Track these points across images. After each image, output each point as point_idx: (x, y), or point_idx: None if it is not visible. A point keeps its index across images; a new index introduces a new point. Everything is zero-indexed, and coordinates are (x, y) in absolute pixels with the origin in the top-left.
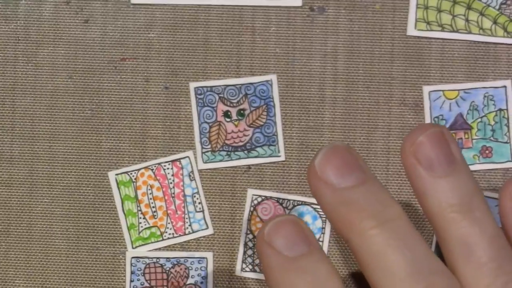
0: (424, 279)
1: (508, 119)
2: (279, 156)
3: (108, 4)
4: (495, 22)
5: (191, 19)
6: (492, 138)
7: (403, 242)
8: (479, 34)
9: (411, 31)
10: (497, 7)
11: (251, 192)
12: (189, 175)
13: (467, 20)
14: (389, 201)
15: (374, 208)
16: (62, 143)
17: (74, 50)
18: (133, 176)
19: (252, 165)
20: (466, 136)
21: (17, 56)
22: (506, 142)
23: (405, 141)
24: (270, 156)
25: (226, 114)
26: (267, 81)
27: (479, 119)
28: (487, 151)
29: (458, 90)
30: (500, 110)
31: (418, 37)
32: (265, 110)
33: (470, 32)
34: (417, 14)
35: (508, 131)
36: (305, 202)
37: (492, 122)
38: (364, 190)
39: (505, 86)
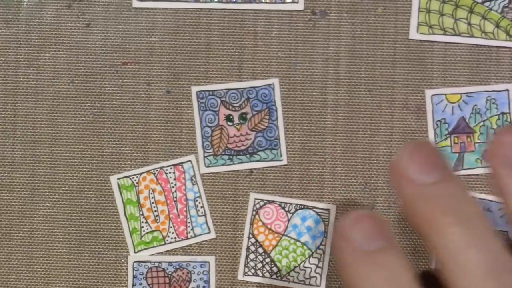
0: (500, 276)
1: (510, 122)
2: (281, 160)
3: (109, 8)
4: (497, 26)
5: (192, 23)
6: None
7: (481, 240)
8: (482, 37)
9: (414, 34)
10: (499, 10)
11: (253, 196)
12: (191, 179)
13: (469, 24)
14: (469, 200)
15: (454, 205)
16: (64, 147)
17: (76, 54)
18: (135, 180)
19: (254, 169)
20: (469, 140)
21: (18, 60)
22: None
23: (492, 143)
24: (272, 160)
25: (228, 118)
26: (269, 85)
27: (482, 123)
28: None
29: (461, 93)
30: (503, 113)
31: (420, 40)
32: (267, 114)
33: (472, 36)
34: (419, 18)
35: None
36: (307, 206)
37: (495, 126)
38: (445, 187)
39: (507, 90)
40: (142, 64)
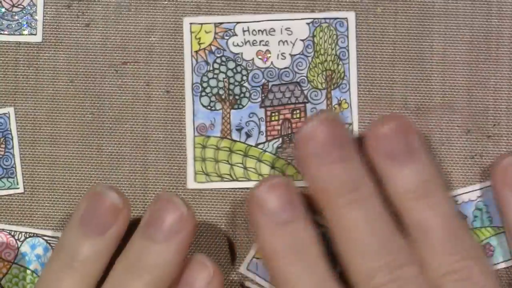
0: (387, 255)
1: None
2: (18, 188)
3: (109, 8)
4: (273, 167)
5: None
6: None
7: (370, 221)
8: (258, 180)
9: (191, 184)
10: (274, 151)
11: None
12: None
13: (245, 168)
14: (364, 180)
15: (349, 186)
16: (63, 147)
17: (75, 54)
18: None
19: None
20: None
21: (18, 60)
22: None
23: (369, 136)
24: (9, 188)
25: None
26: (4, 114)
27: None
28: None
29: None
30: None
31: (199, 189)
32: (3, 142)
33: (249, 179)
34: (195, 167)
35: None
36: (36, 234)
37: None
38: (342, 167)
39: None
40: (142, 64)
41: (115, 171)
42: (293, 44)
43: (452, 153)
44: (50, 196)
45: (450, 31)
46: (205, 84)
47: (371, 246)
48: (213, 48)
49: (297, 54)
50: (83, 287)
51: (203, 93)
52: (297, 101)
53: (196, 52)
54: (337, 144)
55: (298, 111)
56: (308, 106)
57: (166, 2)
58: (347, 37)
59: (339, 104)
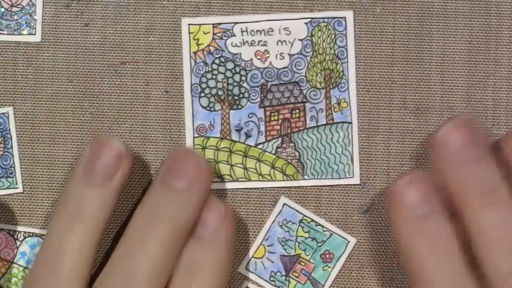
0: None
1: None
2: (17, 188)
3: (108, 7)
4: (273, 167)
5: None
6: None
7: (505, 224)
8: (259, 180)
9: None
10: (273, 151)
11: None
12: None
13: (245, 168)
14: (500, 184)
15: (485, 189)
16: (62, 146)
17: (74, 53)
18: None
19: None
20: None
21: (17, 60)
22: None
23: (507, 138)
24: (8, 188)
25: None
26: (3, 113)
27: None
28: None
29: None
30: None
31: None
32: (2, 142)
33: (250, 180)
34: None
35: None
36: (35, 233)
37: None
38: (479, 169)
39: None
40: (141, 64)
41: None
42: (292, 44)
43: None
44: (49, 196)
45: (449, 31)
46: (204, 85)
47: (506, 248)
48: (212, 48)
49: (295, 54)
50: (91, 236)
51: (202, 94)
52: (296, 101)
53: (195, 53)
54: (474, 146)
55: (297, 110)
56: (307, 105)
57: (165, 2)
58: (346, 36)
59: (338, 103)
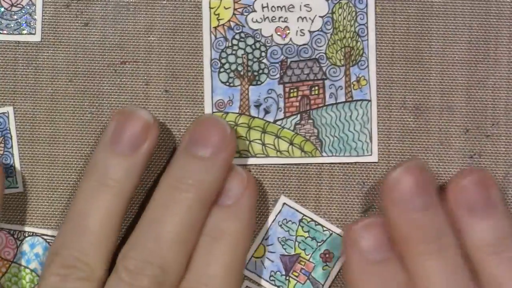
0: None
1: None
2: (17, 188)
3: (108, 7)
4: (291, 143)
5: (191, 22)
6: None
7: (447, 273)
8: (277, 156)
9: None
10: (292, 128)
11: None
12: None
13: (263, 144)
14: (445, 231)
15: (431, 235)
16: (62, 146)
17: (74, 53)
18: None
19: None
20: None
21: (17, 59)
22: None
23: (451, 185)
24: (8, 187)
25: None
26: (3, 113)
27: None
28: None
29: None
30: None
31: None
32: (2, 141)
33: (267, 156)
34: None
35: None
36: (35, 233)
37: None
38: (426, 215)
39: None
40: (141, 63)
41: None
42: (312, 21)
43: (450, 152)
44: (49, 195)
45: (449, 31)
46: (223, 60)
47: None
48: (232, 24)
49: (316, 31)
50: (118, 204)
51: (222, 69)
52: (315, 78)
53: (215, 28)
54: (422, 193)
55: (316, 87)
56: (327, 82)
57: (165, 2)
58: (366, 14)
59: (358, 81)
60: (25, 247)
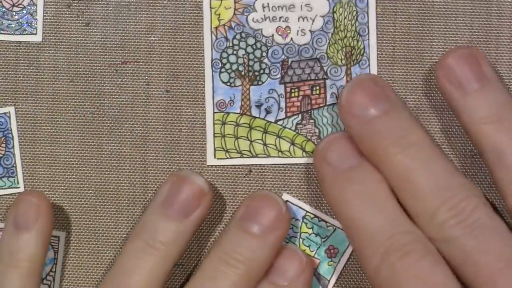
0: (443, 194)
1: None
2: (18, 188)
3: (109, 7)
4: (292, 143)
5: (192, 22)
6: None
7: (424, 163)
8: (278, 156)
9: (211, 160)
10: (293, 128)
11: None
12: None
13: (265, 144)
14: (412, 127)
15: (397, 135)
16: (63, 146)
17: (75, 53)
18: None
19: None
20: None
21: (18, 60)
22: None
23: (437, 67)
24: (9, 187)
25: None
26: (5, 113)
27: None
28: None
29: None
30: None
31: (217, 166)
32: (4, 141)
33: (269, 156)
34: (215, 144)
35: None
36: None
37: None
38: (388, 119)
39: None
40: (142, 64)
41: (115, 170)
42: (313, 20)
43: (452, 152)
44: (50, 195)
45: (450, 31)
46: (224, 60)
47: (429, 187)
48: (233, 24)
49: (317, 30)
50: (162, 267)
51: (223, 69)
52: (316, 77)
53: (216, 28)
54: (376, 100)
55: (317, 87)
56: (328, 82)
57: (166, 2)
58: (367, 13)
59: None
60: None
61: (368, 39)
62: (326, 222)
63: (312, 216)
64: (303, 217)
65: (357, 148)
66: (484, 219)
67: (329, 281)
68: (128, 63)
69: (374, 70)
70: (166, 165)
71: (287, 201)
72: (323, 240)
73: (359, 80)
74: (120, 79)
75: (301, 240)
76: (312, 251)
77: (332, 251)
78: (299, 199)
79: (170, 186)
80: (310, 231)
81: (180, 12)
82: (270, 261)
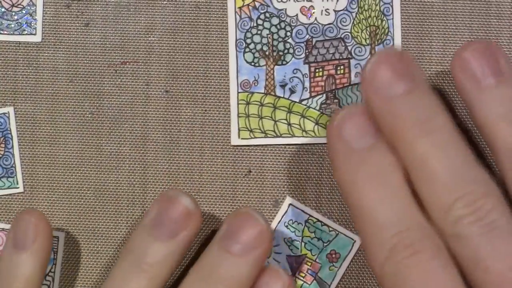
0: (462, 187)
1: None
2: (17, 188)
3: (108, 7)
4: (317, 123)
5: (191, 22)
6: None
7: (445, 151)
8: (303, 136)
9: (235, 140)
10: (318, 107)
11: None
12: None
13: (289, 124)
14: (435, 111)
15: (418, 118)
16: (63, 146)
17: (75, 53)
18: None
19: None
20: None
21: (17, 60)
22: None
23: (453, 59)
24: (9, 188)
25: None
26: (4, 113)
27: None
28: None
29: None
30: None
31: (243, 145)
32: (3, 142)
33: (293, 136)
34: (239, 124)
35: None
36: None
37: None
38: (411, 99)
39: None
40: (141, 64)
41: (114, 170)
42: (337, 0)
43: None
44: (50, 196)
45: (449, 31)
46: (248, 40)
47: (447, 178)
48: (257, 4)
49: (341, 10)
50: (151, 287)
51: (247, 49)
52: (341, 57)
53: (240, 8)
54: (401, 77)
55: (342, 67)
56: (352, 62)
57: (165, 2)
58: None
59: None
60: None
61: (393, 19)
62: (328, 226)
63: (314, 220)
64: (306, 221)
65: (374, 125)
66: (501, 221)
67: (329, 285)
68: (127, 63)
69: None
70: (165, 165)
71: (290, 204)
72: (325, 244)
73: (385, 54)
74: (119, 80)
75: (303, 244)
76: (314, 255)
77: (333, 255)
78: (299, 201)
79: (157, 207)
80: (312, 235)
81: (179, 12)
82: (251, 280)
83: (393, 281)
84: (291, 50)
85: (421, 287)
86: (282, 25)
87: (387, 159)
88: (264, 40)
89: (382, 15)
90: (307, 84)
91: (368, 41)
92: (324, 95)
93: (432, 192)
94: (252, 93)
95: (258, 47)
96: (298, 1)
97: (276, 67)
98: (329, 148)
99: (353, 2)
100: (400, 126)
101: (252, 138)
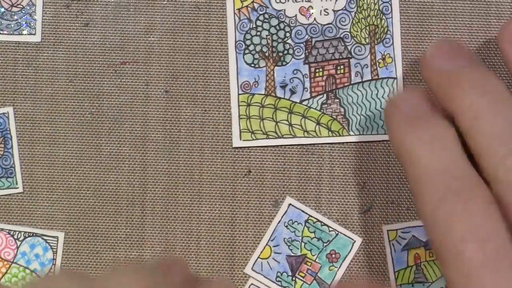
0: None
1: None
2: (17, 188)
3: (108, 7)
4: (318, 123)
5: (191, 23)
6: None
7: (500, 107)
8: (304, 137)
9: (237, 142)
10: (319, 107)
11: None
12: None
13: (290, 125)
14: (492, 79)
15: (475, 83)
16: (62, 146)
17: (74, 53)
18: None
19: None
20: None
21: (17, 60)
22: None
23: (500, 32)
24: (8, 188)
25: None
26: (3, 113)
27: None
28: None
29: None
30: None
31: (244, 147)
32: (2, 142)
33: (295, 136)
34: (240, 125)
35: None
36: (35, 233)
37: None
38: (468, 72)
39: None
40: (141, 64)
41: (114, 170)
42: (336, 0)
43: None
44: (49, 196)
45: (449, 32)
46: (248, 42)
47: (502, 130)
48: (256, 5)
49: (340, 10)
50: None
51: (247, 51)
52: (341, 57)
53: (239, 9)
54: (460, 57)
55: (342, 66)
56: (352, 61)
57: (165, 2)
58: None
59: (383, 59)
60: (25, 247)
61: (392, 17)
62: (328, 226)
63: (314, 220)
64: (306, 221)
65: (427, 98)
66: None
67: (329, 285)
68: (127, 63)
69: (398, 48)
70: (165, 165)
71: (290, 204)
72: (325, 244)
73: (444, 40)
74: (119, 80)
75: (303, 244)
76: (314, 256)
77: (333, 256)
78: (299, 201)
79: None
80: (312, 235)
81: (179, 13)
82: None
83: (443, 228)
84: (290, 51)
85: (470, 235)
86: (281, 26)
87: (441, 123)
88: (264, 41)
89: (381, 14)
90: (307, 84)
91: (367, 40)
92: (325, 95)
93: (486, 143)
94: (253, 94)
95: (258, 48)
96: (297, 2)
97: (276, 68)
98: (387, 118)
99: (352, 2)
100: (459, 92)
101: (253, 139)
